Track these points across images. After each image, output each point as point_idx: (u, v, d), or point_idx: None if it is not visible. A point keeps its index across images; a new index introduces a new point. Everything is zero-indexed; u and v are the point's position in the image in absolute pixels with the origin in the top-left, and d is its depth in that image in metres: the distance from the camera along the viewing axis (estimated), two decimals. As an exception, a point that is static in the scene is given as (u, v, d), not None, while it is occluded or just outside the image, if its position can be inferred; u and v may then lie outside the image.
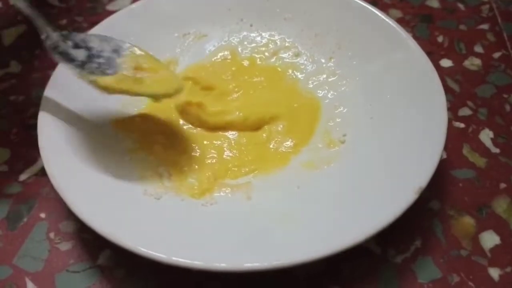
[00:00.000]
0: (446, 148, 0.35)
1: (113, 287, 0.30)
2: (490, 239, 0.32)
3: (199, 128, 0.37)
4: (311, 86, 0.39)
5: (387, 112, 0.35)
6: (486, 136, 0.37)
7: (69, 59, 0.32)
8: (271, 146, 0.36)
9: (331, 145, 0.35)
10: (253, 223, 0.30)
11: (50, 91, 0.34)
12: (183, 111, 0.37)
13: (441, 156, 0.30)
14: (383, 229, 0.27)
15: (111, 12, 0.43)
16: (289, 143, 0.36)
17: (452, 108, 0.39)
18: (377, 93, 0.36)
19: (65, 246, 0.32)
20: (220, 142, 0.36)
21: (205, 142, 0.36)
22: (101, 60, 0.33)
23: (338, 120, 0.36)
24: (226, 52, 0.41)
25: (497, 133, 0.37)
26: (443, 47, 0.44)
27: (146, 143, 0.35)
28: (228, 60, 0.41)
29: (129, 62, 0.33)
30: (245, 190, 0.33)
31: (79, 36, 0.33)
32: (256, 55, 0.41)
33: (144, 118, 0.37)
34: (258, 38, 0.42)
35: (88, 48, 0.33)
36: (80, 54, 0.32)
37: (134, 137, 0.35)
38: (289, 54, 0.41)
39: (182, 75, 0.40)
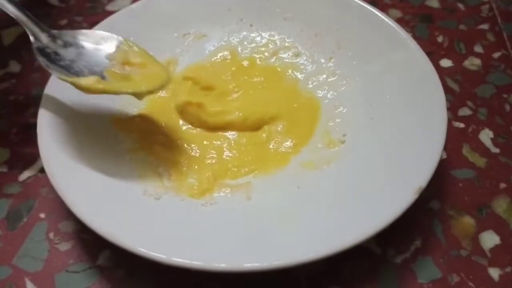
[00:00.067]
0: (446, 148, 0.35)
1: (112, 287, 0.30)
2: (490, 239, 0.32)
3: (199, 128, 0.37)
4: (311, 86, 0.39)
5: (387, 112, 0.35)
6: (486, 136, 0.37)
7: (57, 59, 0.32)
8: (271, 146, 0.36)
9: (331, 145, 0.35)
10: (253, 223, 0.30)
11: (50, 91, 0.34)
12: (183, 111, 0.37)
13: (441, 156, 0.30)
14: (383, 229, 0.27)
15: (110, 12, 0.43)
16: (289, 143, 0.36)
17: (452, 108, 0.39)
18: (377, 93, 0.36)
19: (64, 246, 0.32)
20: (220, 142, 0.36)
21: (205, 142, 0.36)
22: (90, 57, 0.33)
23: (338, 120, 0.36)
24: (226, 52, 0.41)
25: (497, 133, 0.37)
26: (443, 47, 0.44)
27: (146, 143, 0.35)
28: (228, 60, 0.41)
29: (118, 57, 0.33)
30: (245, 190, 0.33)
31: (69, 34, 0.33)
32: (256, 55, 0.41)
33: (144, 118, 0.37)
34: (258, 38, 0.42)
35: (78, 46, 0.33)
36: (70, 53, 0.33)
37: (134, 137, 0.35)
38: (289, 54, 0.41)
39: (182, 75, 0.40)
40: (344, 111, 0.37)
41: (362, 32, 0.39)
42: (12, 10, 0.32)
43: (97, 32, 0.34)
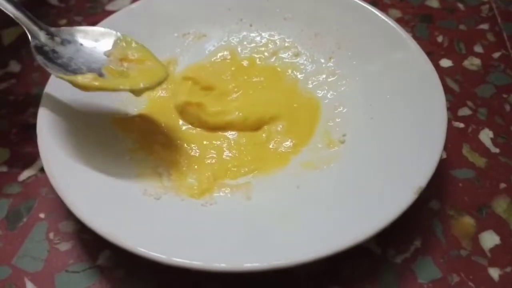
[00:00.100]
0: (446, 148, 0.35)
1: (112, 287, 0.30)
2: (490, 239, 0.32)
3: (198, 128, 0.37)
4: (310, 86, 0.39)
5: (386, 112, 0.35)
6: (486, 136, 0.37)
7: (55, 57, 0.32)
8: (270, 146, 0.36)
9: (330, 145, 0.35)
10: (253, 223, 0.30)
11: (50, 91, 0.34)
12: (183, 111, 0.37)
13: (441, 156, 0.30)
14: (383, 229, 0.27)
15: (110, 12, 0.43)
16: (288, 143, 0.36)
17: (452, 108, 0.39)
18: (377, 93, 0.36)
19: (64, 246, 0.32)
20: (219, 142, 0.36)
21: (204, 142, 0.36)
22: (88, 54, 0.33)
23: (337, 120, 0.36)
24: (225, 52, 0.41)
25: (497, 133, 0.37)
26: (443, 47, 0.44)
27: (146, 143, 0.35)
28: (228, 60, 0.41)
29: (116, 53, 0.33)
30: (244, 190, 0.33)
31: (67, 31, 0.33)
32: (256, 55, 0.41)
33: (144, 118, 0.37)
34: (258, 38, 0.42)
35: (76, 43, 0.33)
36: (68, 51, 0.33)
37: (134, 137, 0.35)
38: (288, 54, 0.41)
39: (181, 75, 0.40)
40: (344, 111, 0.37)
41: (362, 32, 0.39)
42: (10, 9, 0.32)
43: (95, 28, 0.34)
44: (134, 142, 0.35)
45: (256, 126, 0.37)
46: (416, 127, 0.32)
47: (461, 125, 0.38)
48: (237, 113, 0.37)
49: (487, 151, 0.36)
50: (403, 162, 0.31)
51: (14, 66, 0.43)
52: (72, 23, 0.47)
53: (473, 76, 0.41)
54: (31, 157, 0.37)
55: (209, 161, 0.35)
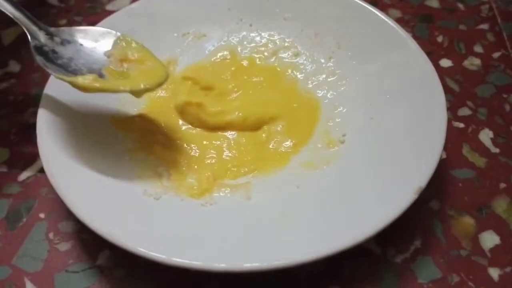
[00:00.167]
0: (445, 148, 0.35)
1: (112, 287, 0.30)
2: (490, 239, 0.32)
3: (198, 128, 0.37)
4: (310, 86, 0.39)
5: (386, 112, 0.35)
6: (485, 136, 0.37)
7: (54, 57, 0.32)
8: (270, 146, 0.36)
9: (330, 145, 0.35)
10: (253, 223, 0.30)
11: (50, 91, 0.34)
12: (183, 111, 0.37)
13: (441, 156, 0.30)
14: (383, 229, 0.27)
15: (110, 12, 0.43)
16: (288, 143, 0.36)
17: (452, 108, 0.39)
18: (376, 93, 0.36)
19: (64, 246, 0.32)
20: (219, 142, 0.36)
21: (204, 142, 0.36)
22: (88, 55, 0.33)
23: (337, 120, 0.36)
24: (225, 52, 0.41)
25: (497, 133, 0.37)
26: (442, 47, 0.44)
27: (146, 143, 0.35)
28: (228, 60, 0.41)
29: (116, 54, 0.33)
30: (244, 190, 0.33)
31: (66, 32, 0.33)
32: (256, 55, 0.41)
33: (144, 118, 0.37)
34: (258, 38, 0.42)
35: (76, 43, 0.33)
36: (68, 51, 0.33)
37: (134, 137, 0.35)
38: (288, 54, 0.41)
39: (181, 75, 0.40)
40: (344, 111, 0.37)
41: (362, 32, 0.38)
42: (9, 9, 0.32)
43: (95, 28, 0.34)
44: (134, 142, 0.35)
45: (256, 126, 0.37)
46: (416, 127, 0.32)
47: (461, 125, 0.38)
48: (237, 113, 0.37)
49: (487, 151, 0.36)
50: (403, 162, 0.31)
51: (14, 66, 0.43)
52: (72, 23, 0.47)
53: (473, 76, 0.41)
54: (31, 157, 0.37)
55: (209, 161, 0.35)
